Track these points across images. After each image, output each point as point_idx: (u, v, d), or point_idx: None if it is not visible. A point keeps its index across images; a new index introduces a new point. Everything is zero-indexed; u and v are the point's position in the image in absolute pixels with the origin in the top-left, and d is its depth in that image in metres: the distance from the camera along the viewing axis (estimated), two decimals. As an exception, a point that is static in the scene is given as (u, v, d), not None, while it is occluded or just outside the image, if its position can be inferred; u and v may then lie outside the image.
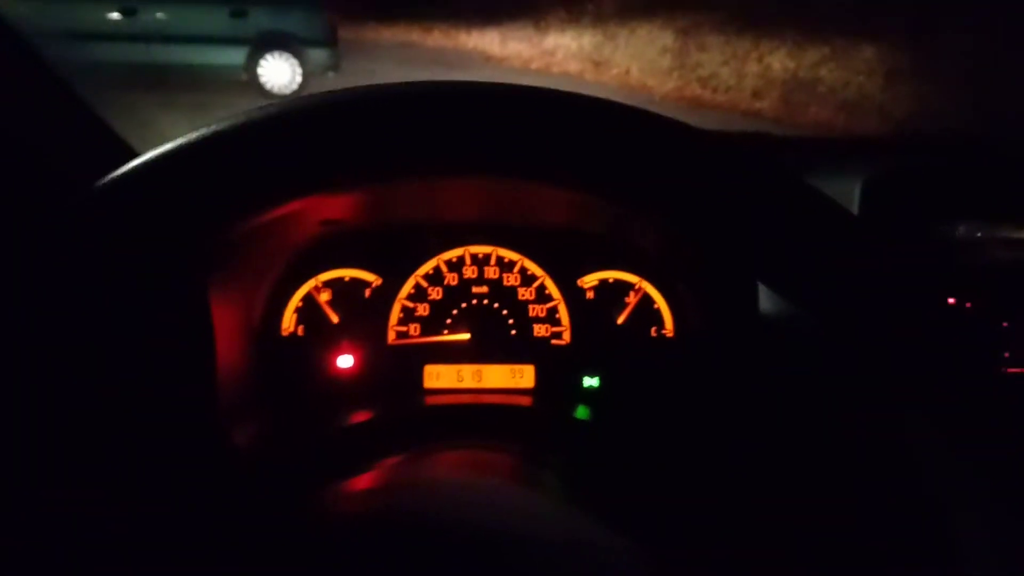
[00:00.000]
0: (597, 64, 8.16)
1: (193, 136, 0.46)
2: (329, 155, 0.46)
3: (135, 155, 0.54)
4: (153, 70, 5.61)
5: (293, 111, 0.46)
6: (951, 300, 0.79)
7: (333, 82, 6.93)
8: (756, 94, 6.53)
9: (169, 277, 0.50)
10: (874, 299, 0.46)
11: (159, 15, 6.49)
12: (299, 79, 6.94)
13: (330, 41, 7.17)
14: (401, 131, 0.45)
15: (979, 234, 0.80)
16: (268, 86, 6.87)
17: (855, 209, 0.79)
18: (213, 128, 0.46)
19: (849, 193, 0.81)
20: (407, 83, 0.46)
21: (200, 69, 6.40)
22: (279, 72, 6.91)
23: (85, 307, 0.48)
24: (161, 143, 0.48)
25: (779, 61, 7.14)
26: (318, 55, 7.02)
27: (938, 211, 0.80)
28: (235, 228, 0.51)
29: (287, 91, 6.88)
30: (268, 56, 6.86)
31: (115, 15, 6.46)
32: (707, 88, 6.83)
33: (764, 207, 0.45)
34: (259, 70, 6.85)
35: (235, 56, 6.75)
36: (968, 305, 0.80)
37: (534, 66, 8.37)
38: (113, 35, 6.26)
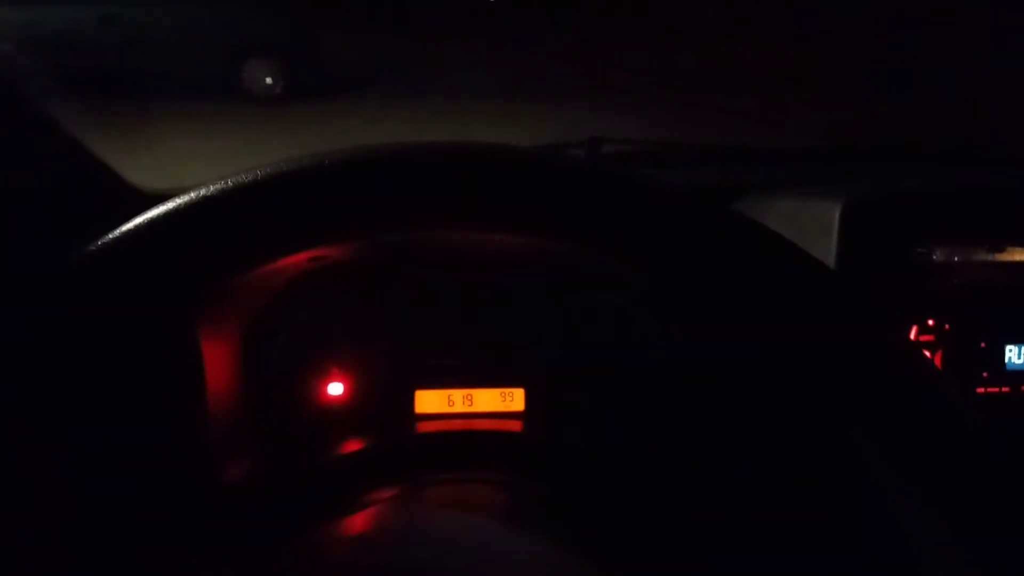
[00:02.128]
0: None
1: (199, 193, 0.47)
2: (334, 216, 0.47)
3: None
4: (134, 76, 5.57)
5: (300, 170, 0.47)
6: (930, 321, 0.81)
7: (315, 90, 6.92)
8: (736, 91, 6.57)
9: (162, 328, 0.51)
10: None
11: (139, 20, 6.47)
12: (281, 84, 6.92)
13: (314, 48, 7.16)
14: (399, 191, 0.47)
15: (956, 258, 0.82)
16: (251, 91, 6.85)
17: (835, 232, 0.81)
18: (219, 185, 0.47)
19: (830, 215, 0.83)
20: (393, 145, 0.48)
21: (182, 74, 6.36)
22: (261, 77, 6.89)
23: (74, 354, 0.48)
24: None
25: (761, 57, 7.20)
26: (300, 61, 7.01)
27: (918, 234, 0.82)
28: (233, 280, 0.52)
29: (269, 95, 6.86)
30: (251, 61, 6.84)
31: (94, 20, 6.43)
32: (688, 86, 6.86)
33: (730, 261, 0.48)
34: (242, 75, 6.83)
35: (217, 61, 6.72)
36: (947, 327, 0.82)
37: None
38: (93, 41, 6.22)
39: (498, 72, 6.97)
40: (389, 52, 7.91)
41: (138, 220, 0.47)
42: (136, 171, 0.95)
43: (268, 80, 6.89)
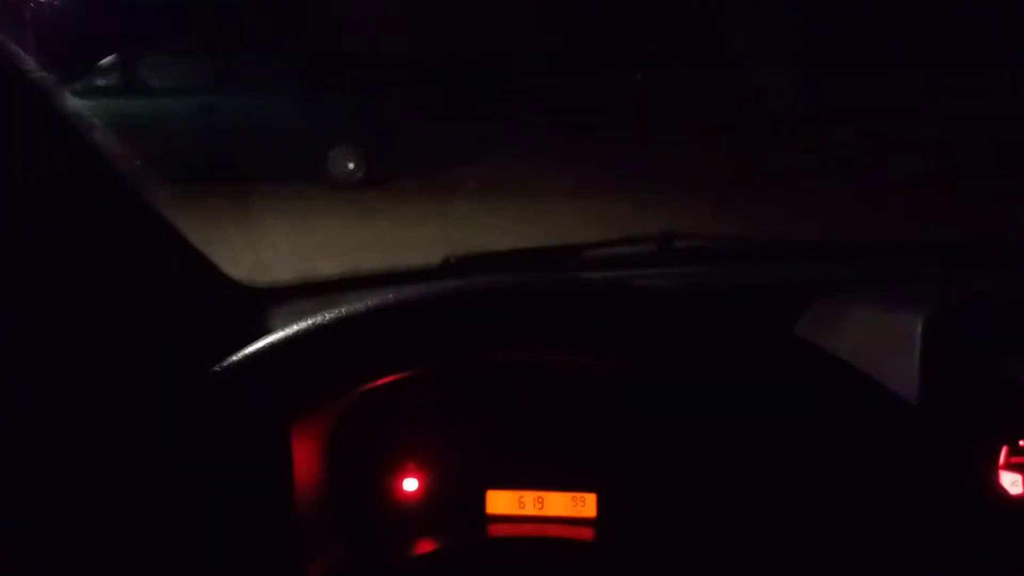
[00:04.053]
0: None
1: (308, 323, 0.53)
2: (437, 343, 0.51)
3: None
4: (228, 161, 5.91)
5: (427, 297, 0.54)
6: (1022, 442, 0.78)
7: (398, 173, 7.20)
8: (808, 174, 6.53)
9: (263, 431, 0.54)
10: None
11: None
12: (363, 170, 7.23)
13: (396, 133, 7.50)
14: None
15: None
16: (334, 175, 7.18)
17: (917, 348, 0.79)
18: (358, 306, 0.53)
19: (911, 328, 0.81)
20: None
21: (271, 160, 6.72)
22: (344, 162, 7.22)
23: (183, 457, 0.52)
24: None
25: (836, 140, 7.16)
26: (382, 147, 7.32)
27: (1006, 347, 0.79)
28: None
29: (351, 180, 7.17)
30: (335, 147, 7.19)
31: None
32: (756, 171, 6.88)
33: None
34: (327, 161, 7.17)
35: (303, 146, 7.08)
36: (1041, 448, 0.78)
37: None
38: (192, 130, 6.67)
39: (569, 163, 7.12)
40: (463, 142, 8.20)
41: (265, 343, 0.53)
42: (231, 263, 1.01)
43: (350, 166, 7.23)
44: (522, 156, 7.63)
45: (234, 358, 0.54)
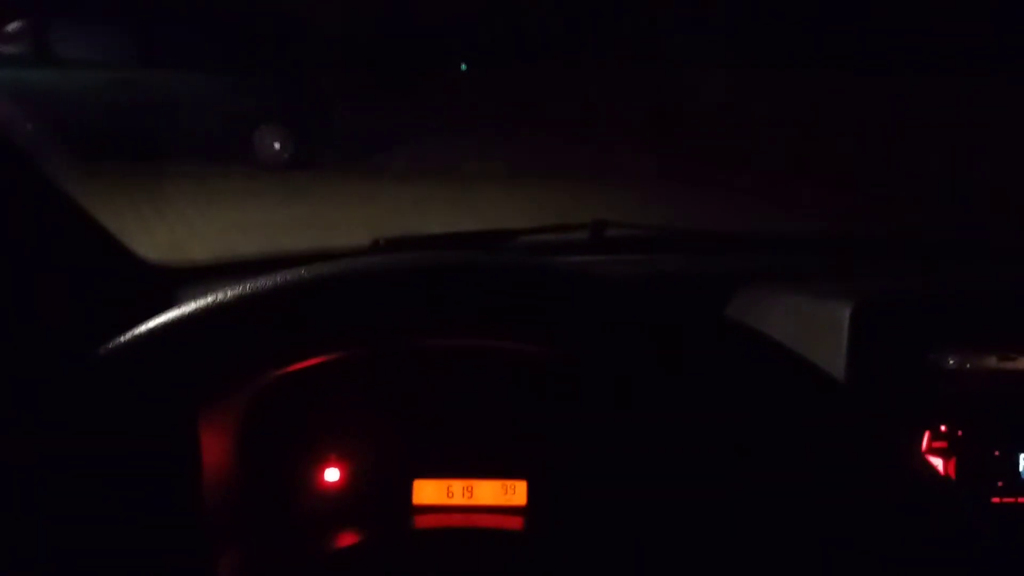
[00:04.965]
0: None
1: (226, 296, 0.48)
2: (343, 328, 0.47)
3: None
4: (147, 139, 5.69)
5: (332, 275, 0.49)
6: (943, 428, 0.80)
7: (326, 155, 7.05)
8: (739, 167, 6.67)
9: (164, 419, 0.50)
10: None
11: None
12: (290, 151, 7.04)
13: (324, 113, 7.32)
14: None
15: (969, 364, 0.81)
16: (259, 155, 6.97)
17: (845, 335, 0.80)
18: (242, 291, 0.48)
19: (839, 316, 0.82)
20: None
21: (193, 138, 6.48)
22: (270, 142, 7.02)
23: (74, 448, 0.48)
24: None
25: (767, 135, 7.33)
26: (310, 127, 7.15)
27: (930, 338, 0.81)
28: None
29: (277, 161, 6.97)
30: (261, 126, 6.98)
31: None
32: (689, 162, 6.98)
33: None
34: (252, 141, 6.96)
35: (227, 125, 6.86)
36: (960, 433, 0.80)
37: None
38: (109, 105, 6.36)
39: (502, 150, 7.11)
40: (395, 125, 8.08)
41: (158, 321, 0.48)
42: (146, 243, 0.95)
43: (276, 146, 7.02)
44: (455, 141, 7.58)
45: (123, 338, 0.49)
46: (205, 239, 3.51)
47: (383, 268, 0.48)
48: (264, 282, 0.50)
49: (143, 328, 0.51)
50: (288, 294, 0.48)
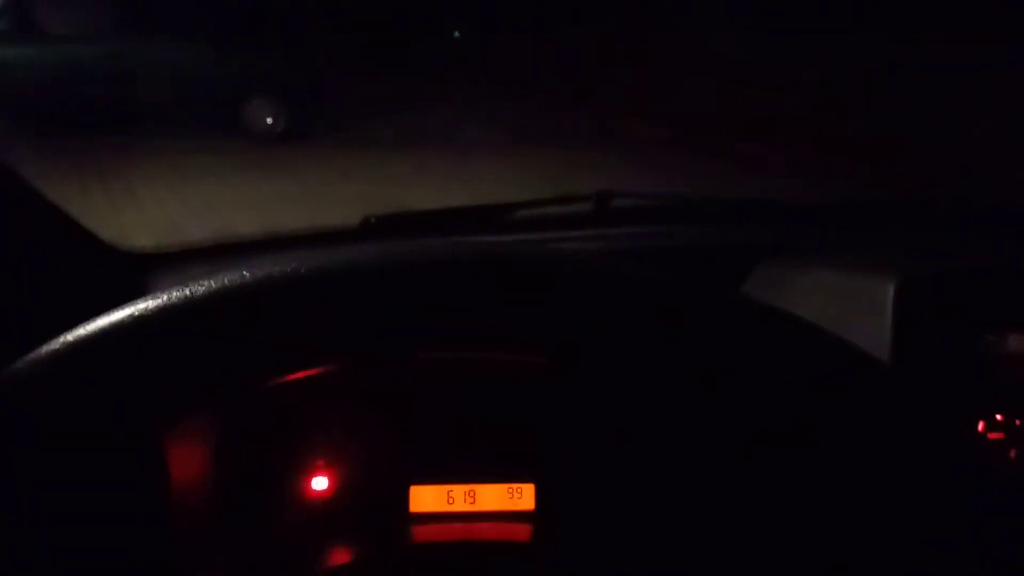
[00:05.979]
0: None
1: (196, 290, 0.41)
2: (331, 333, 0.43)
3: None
4: (135, 114, 5.61)
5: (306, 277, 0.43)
6: (999, 417, 0.72)
7: (319, 128, 6.96)
8: (751, 135, 6.49)
9: (119, 435, 0.43)
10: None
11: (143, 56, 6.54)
12: (282, 124, 6.95)
13: (317, 85, 7.19)
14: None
15: (1027, 347, 0.73)
16: (250, 129, 6.87)
17: (888, 315, 0.72)
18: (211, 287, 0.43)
19: (882, 294, 0.74)
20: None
21: (183, 113, 6.39)
22: (262, 116, 6.92)
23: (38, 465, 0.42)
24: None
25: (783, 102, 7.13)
26: (303, 100, 7.05)
27: (984, 318, 0.73)
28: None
29: (269, 135, 6.88)
30: (252, 99, 6.87)
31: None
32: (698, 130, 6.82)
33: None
34: (243, 114, 6.86)
35: (217, 99, 6.77)
36: (1017, 422, 0.72)
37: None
38: (97, 80, 6.25)
39: (499, 119, 6.99)
40: (387, 95, 7.97)
41: (119, 315, 0.41)
42: (121, 224, 0.87)
43: (268, 120, 6.92)
44: (451, 112, 7.44)
45: (66, 337, 0.41)
46: (197, 216, 3.43)
47: (368, 269, 0.42)
48: (234, 278, 0.43)
49: (85, 328, 0.44)
50: (265, 295, 0.41)
